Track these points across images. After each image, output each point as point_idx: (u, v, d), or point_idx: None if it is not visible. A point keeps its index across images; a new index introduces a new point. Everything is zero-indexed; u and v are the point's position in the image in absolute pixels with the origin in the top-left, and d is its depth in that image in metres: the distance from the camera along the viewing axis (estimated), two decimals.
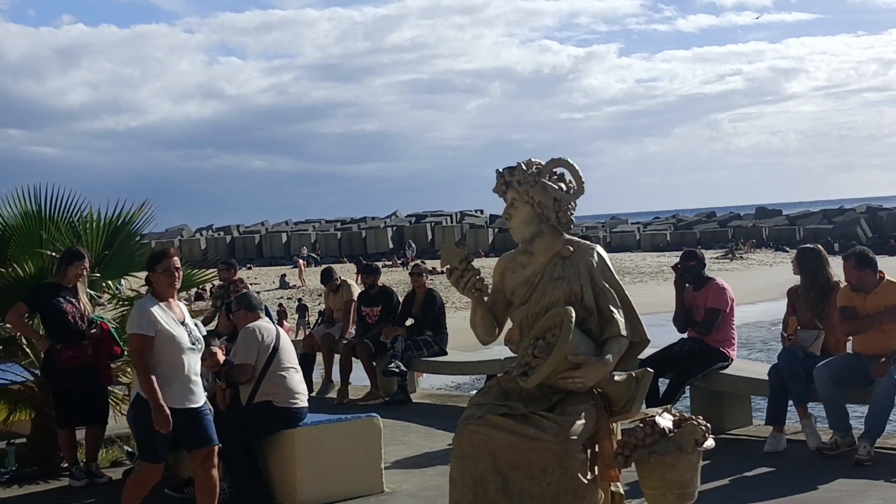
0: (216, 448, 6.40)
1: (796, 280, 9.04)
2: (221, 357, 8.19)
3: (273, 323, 8.16)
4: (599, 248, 4.65)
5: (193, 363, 6.31)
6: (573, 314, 4.33)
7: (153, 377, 6.03)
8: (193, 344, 6.32)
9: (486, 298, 4.66)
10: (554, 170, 4.63)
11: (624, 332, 4.46)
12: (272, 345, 7.77)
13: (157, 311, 6.19)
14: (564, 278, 4.53)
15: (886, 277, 8.30)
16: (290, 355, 7.88)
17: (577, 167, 4.62)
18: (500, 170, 4.64)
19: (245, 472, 7.58)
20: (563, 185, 4.60)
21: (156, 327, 6.11)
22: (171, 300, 6.36)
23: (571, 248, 4.61)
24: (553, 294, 4.51)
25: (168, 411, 5.98)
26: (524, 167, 4.60)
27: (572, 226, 4.65)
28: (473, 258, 4.62)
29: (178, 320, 6.29)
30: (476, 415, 4.38)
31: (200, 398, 6.37)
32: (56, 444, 8.85)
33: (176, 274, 6.33)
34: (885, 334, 8.12)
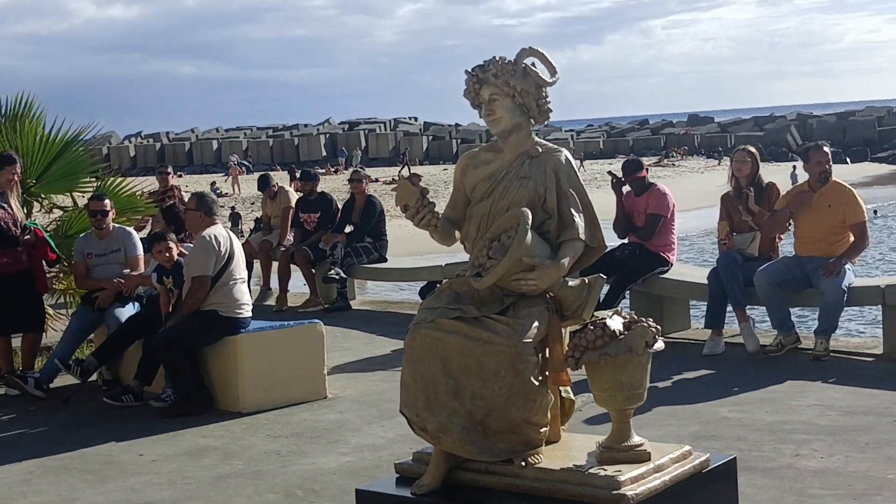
0: None
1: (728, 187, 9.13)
2: (176, 252, 8.00)
3: (226, 229, 7.88)
4: (567, 152, 4.59)
5: None
6: (529, 216, 4.29)
7: None
8: None
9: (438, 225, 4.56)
10: (523, 60, 4.55)
11: (582, 236, 4.44)
12: (226, 254, 7.60)
13: None
14: (530, 178, 4.47)
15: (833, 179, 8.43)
16: (241, 266, 7.74)
17: (546, 55, 4.55)
18: (471, 69, 4.53)
19: (187, 380, 7.52)
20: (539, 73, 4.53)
21: None
22: None
23: (540, 149, 4.55)
24: (518, 192, 4.45)
25: None
26: (497, 60, 4.51)
27: (550, 115, 4.58)
28: (428, 191, 4.53)
29: None
30: (428, 318, 4.33)
31: None
32: None
33: None
34: (830, 245, 8.25)
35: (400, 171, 50.46)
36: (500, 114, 4.51)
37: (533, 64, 4.54)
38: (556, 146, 4.63)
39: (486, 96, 4.51)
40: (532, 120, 4.55)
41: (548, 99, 4.55)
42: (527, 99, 4.48)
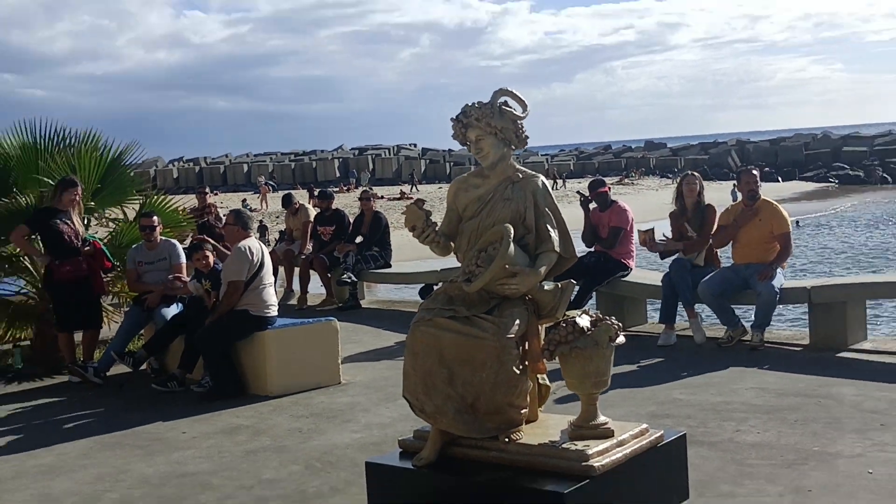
0: None
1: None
2: (212, 260, 8.10)
3: (258, 241, 7.90)
4: (542, 177, 4.63)
5: None
6: (512, 230, 4.32)
7: None
8: None
9: (439, 240, 4.57)
10: (498, 100, 4.57)
11: (557, 249, 4.47)
12: (258, 262, 7.61)
13: None
14: (513, 199, 4.51)
15: (763, 198, 8.45)
16: (269, 272, 7.75)
17: (517, 92, 4.57)
18: (455, 117, 4.55)
19: (224, 371, 7.52)
20: (512, 110, 4.56)
21: None
22: None
23: (521, 175, 4.58)
24: (502, 212, 4.49)
25: None
26: (476, 106, 4.53)
27: (528, 141, 4.61)
28: (431, 213, 4.55)
29: None
30: (426, 318, 4.35)
31: None
32: (56, 346, 8.71)
33: None
34: (763, 252, 8.30)
35: (409, 194, 50.26)
36: (486, 150, 4.55)
37: (505, 102, 4.57)
38: (533, 172, 4.65)
39: (473, 137, 4.55)
40: (513, 147, 4.59)
41: (524, 129, 4.59)
42: (507, 134, 4.52)
